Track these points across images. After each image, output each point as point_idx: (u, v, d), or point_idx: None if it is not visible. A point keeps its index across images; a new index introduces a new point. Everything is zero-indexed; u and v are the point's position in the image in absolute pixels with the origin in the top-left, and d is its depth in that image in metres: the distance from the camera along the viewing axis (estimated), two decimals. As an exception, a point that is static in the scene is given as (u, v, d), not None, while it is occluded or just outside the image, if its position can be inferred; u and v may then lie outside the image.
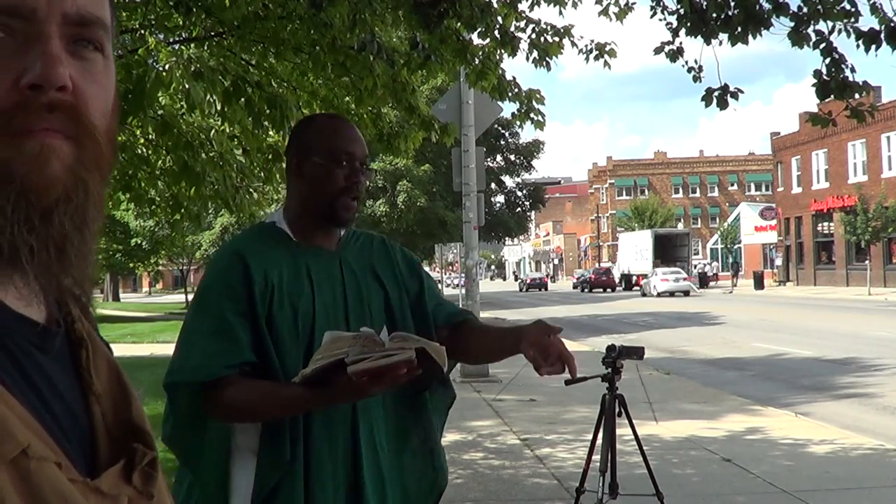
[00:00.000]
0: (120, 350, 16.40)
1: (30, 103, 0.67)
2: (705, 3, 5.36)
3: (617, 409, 4.87)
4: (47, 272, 0.69)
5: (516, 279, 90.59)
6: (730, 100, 5.58)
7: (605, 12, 6.60)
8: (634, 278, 56.80)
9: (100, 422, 0.75)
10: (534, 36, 6.47)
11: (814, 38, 5.19)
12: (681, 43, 5.75)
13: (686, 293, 45.16)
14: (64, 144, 0.69)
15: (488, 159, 37.16)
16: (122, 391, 0.80)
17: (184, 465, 2.11)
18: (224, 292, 2.00)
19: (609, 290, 56.93)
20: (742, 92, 5.60)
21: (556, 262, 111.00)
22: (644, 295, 47.20)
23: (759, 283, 48.66)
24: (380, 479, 2.07)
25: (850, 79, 5.16)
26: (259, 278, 2.01)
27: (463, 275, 18.86)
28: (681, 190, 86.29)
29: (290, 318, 2.02)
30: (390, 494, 2.09)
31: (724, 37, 5.36)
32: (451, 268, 44.89)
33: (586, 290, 58.33)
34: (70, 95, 0.69)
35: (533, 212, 51.19)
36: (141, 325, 27.30)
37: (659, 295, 44.69)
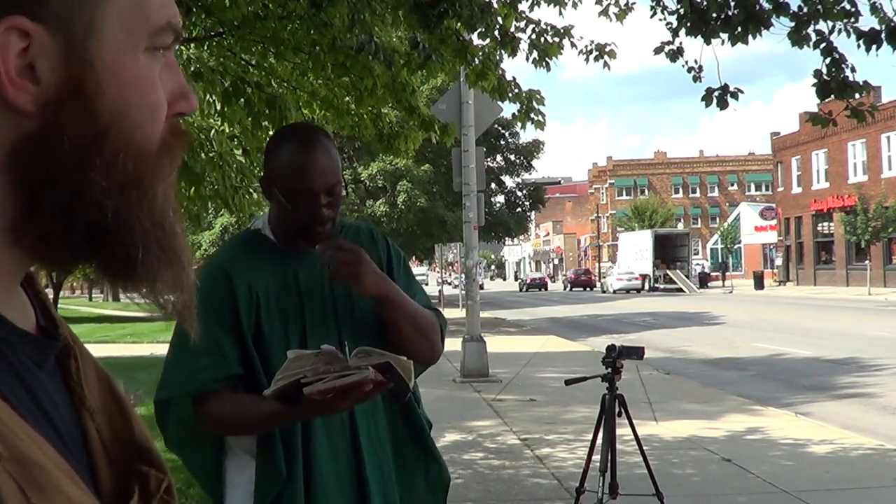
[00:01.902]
0: (120, 350, 16.41)
1: (178, 130, 0.69)
2: (705, 3, 5.36)
3: (617, 409, 4.87)
4: (168, 286, 0.68)
5: (516, 279, 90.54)
6: (730, 100, 5.58)
7: (605, 13, 6.60)
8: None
9: (96, 441, 0.68)
10: (534, 36, 6.47)
11: (814, 38, 5.20)
12: (681, 43, 5.76)
13: (638, 290, 52.14)
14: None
15: (488, 159, 37.15)
16: (117, 405, 0.71)
17: (189, 469, 2.15)
18: (208, 306, 1.98)
19: (589, 288, 61.87)
20: (742, 92, 5.60)
21: (556, 262, 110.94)
22: (604, 292, 54.08)
23: (759, 283, 48.70)
24: (382, 478, 2.09)
25: (851, 79, 5.16)
26: (243, 291, 2.02)
27: (463, 275, 18.85)
28: (681, 190, 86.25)
29: (280, 331, 2.03)
30: (394, 493, 2.11)
31: (724, 37, 5.36)
32: (451, 268, 44.87)
33: (568, 288, 64.43)
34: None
35: (533, 212, 51.23)
36: (141, 325, 27.30)
37: (615, 292, 51.76)
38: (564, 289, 65.78)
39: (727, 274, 55.14)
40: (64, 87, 0.60)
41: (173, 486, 0.71)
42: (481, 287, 64.26)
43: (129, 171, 0.63)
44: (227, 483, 2.07)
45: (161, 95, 0.66)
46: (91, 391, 0.69)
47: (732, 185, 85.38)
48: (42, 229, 0.61)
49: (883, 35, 4.97)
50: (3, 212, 0.61)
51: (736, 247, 60.30)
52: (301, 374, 1.78)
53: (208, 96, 5.99)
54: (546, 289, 66.87)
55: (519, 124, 7.19)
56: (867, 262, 39.17)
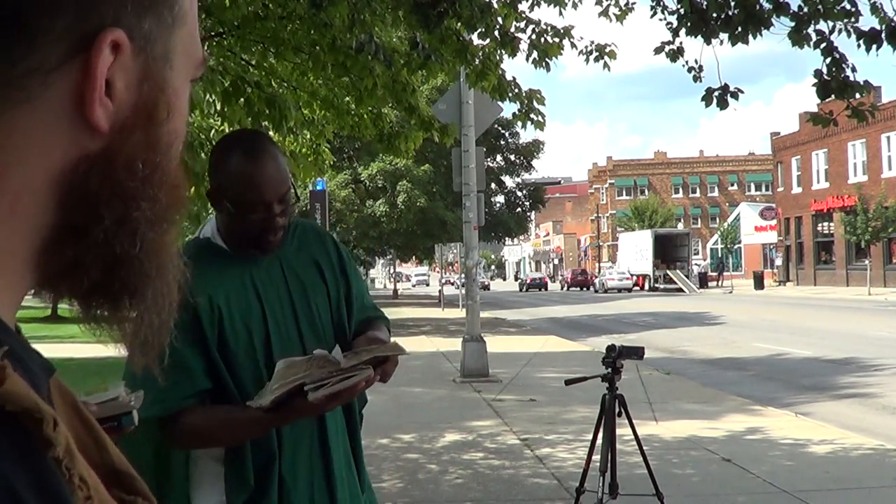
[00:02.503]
0: (120, 350, 16.34)
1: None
2: (705, 3, 5.36)
3: (617, 409, 4.87)
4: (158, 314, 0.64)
5: (516, 279, 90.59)
6: (730, 99, 5.58)
7: (605, 13, 6.60)
8: (634, 278, 57.40)
9: None
10: (534, 37, 6.47)
11: (814, 37, 5.19)
12: (681, 43, 5.76)
13: (629, 290, 54.50)
14: None
15: (488, 159, 37.14)
16: (85, 428, 0.63)
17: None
18: None
19: (585, 288, 62.75)
20: (742, 92, 5.60)
21: (556, 262, 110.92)
22: (596, 291, 56.67)
23: (759, 283, 48.70)
24: (348, 480, 2.14)
25: (851, 78, 5.16)
26: (204, 303, 1.98)
27: (464, 275, 18.82)
28: (681, 190, 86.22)
29: (245, 338, 2.03)
30: (358, 494, 2.17)
31: (724, 37, 5.36)
32: (451, 268, 44.85)
33: (565, 287, 67.18)
34: None
35: (533, 212, 51.24)
36: (141, 325, 27.26)
37: (607, 291, 54.53)
38: (561, 288, 68.29)
39: (724, 274, 55.68)
40: (139, 110, 0.58)
41: None
42: (487, 288, 64.83)
43: (164, 203, 0.61)
44: (199, 496, 2.06)
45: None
46: (59, 415, 0.61)
47: (732, 185, 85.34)
48: (76, 255, 0.57)
49: (883, 35, 4.97)
50: (37, 231, 0.56)
51: (736, 247, 60.30)
52: (299, 380, 1.80)
53: (208, 96, 5.99)
54: (546, 289, 67.18)
55: (519, 124, 7.19)
56: (867, 262, 39.18)
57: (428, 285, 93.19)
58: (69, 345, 18.43)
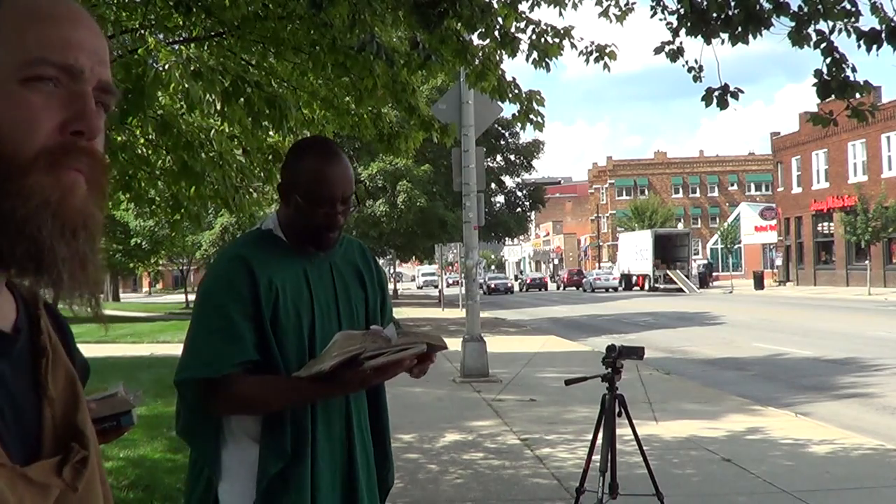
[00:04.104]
0: (120, 350, 16.39)
1: (70, 145, 0.83)
2: (705, 3, 5.36)
3: (617, 409, 4.87)
4: (72, 281, 0.82)
5: (516, 279, 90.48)
6: (730, 99, 5.57)
7: (605, 14, 6.59)
8: (634, 278, 57.47)
9: (49, 423, 0.87)
10: (534, 37, 6.46)
11: (814, 37, 5.19)
12: (681, 43, 5.75)
13: (615, 289, 57.17)
14: (83, 182, 0.84)
15: (488, 159, 37.14)
16: (73, 398, 0.91)
17: (198, 455, 2.28)
18: (230, 295, 2.16)
19: (580, 288, 64.42)
20: (742, 92, 5.59)
21: (556, 262, 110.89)
22: (584, 291, 59.30)
23: (759, 283, 48.69)
24: (367, 462, 2.32)
25: (851, 78, 5.15)
26: (264, 283, 2.19)
27: (463, 274, 18.78)
28: (681, 190, 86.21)
29: (294, 321, 2.22)
30: (374, 477, 2.35)
31: (724, 37, 5.35)
32: (451, 268, 44.85)
33: (562, 287, 70.34)
34: (94, 144, 0.85)
35: (533, 212, 51.25)
36: (141, 325, 27.27)
37: (594, 290, 57.29)
38: (558, 288, 71.53)
39: (713, 275, 56.30)
40: None
41: (89, 459, 0.88)
42: (511, 290, 66.03)
43: (19, 183, 0.79)
44: (225, 468, 2.20)
45: (34, 116, 0.81)
46: (56, 386, 0.89)
47: (732, 185, 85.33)
48: None
49: (883, 35, 4.96)
50: None
51: (736, 247, 60.27)
52: (356, 350, 1.99)
53: (208, 96, 5.98)
54: (546, 289, 68.03)
55: (519, 125, 7.18)
56: (867, 262, 39.17)
57: (437, 287, 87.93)
58: (69, 345, 18.40)
